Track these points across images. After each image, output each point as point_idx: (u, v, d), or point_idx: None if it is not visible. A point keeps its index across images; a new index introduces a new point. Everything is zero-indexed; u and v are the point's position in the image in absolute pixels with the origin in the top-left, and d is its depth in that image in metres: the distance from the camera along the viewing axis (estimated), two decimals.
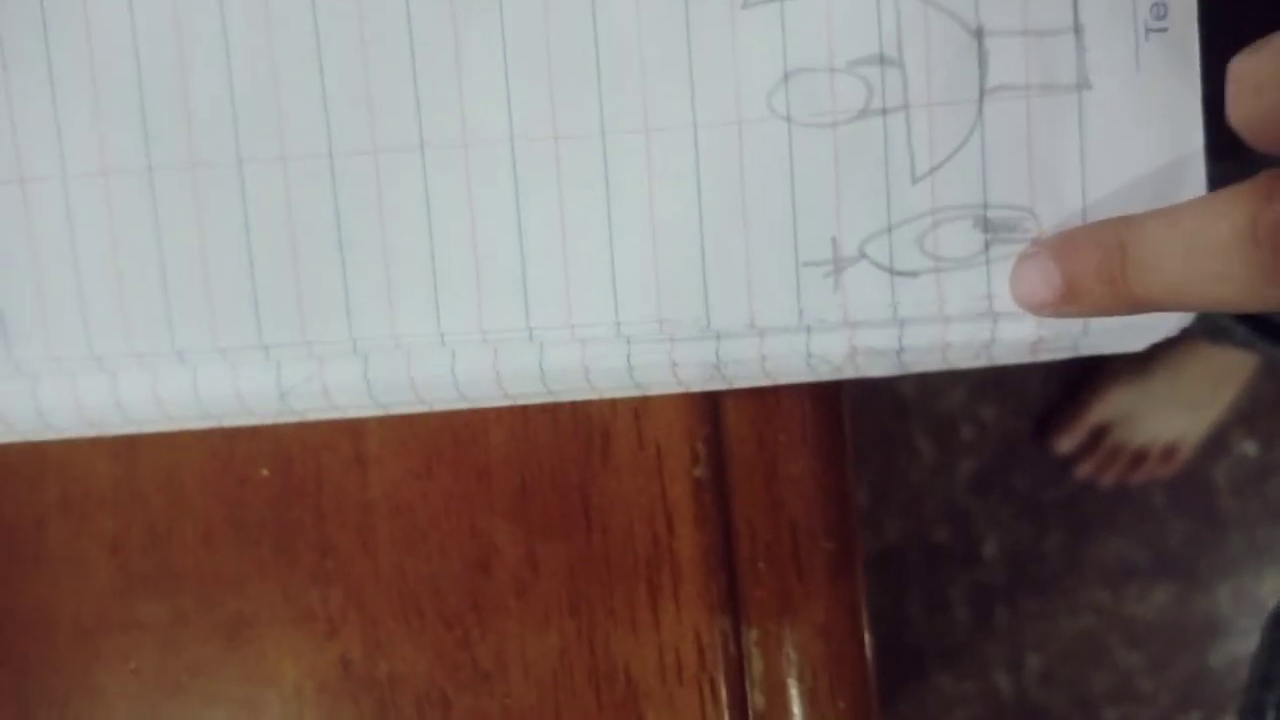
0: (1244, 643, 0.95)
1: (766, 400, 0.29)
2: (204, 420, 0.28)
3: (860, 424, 0.96)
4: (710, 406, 0.28)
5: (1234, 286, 0.22)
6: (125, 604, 0.29)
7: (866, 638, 0.30)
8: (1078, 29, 0.25)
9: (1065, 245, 0.25)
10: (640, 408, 0.28)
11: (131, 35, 0.26)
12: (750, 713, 0.28)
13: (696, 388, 0.28)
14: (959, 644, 0.95)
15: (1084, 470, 0.95)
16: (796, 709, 0.28)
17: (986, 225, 0.26)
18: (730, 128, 0.26)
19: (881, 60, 0.26)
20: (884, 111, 0.26)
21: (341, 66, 0.26)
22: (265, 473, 0.28)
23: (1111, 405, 0.94)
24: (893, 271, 0.26)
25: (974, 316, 0.26)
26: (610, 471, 0.28)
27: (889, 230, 0.26)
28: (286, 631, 0.28)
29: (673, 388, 0.27)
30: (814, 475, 0.29)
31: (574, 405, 0.28)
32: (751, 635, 0.28)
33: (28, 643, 0.29)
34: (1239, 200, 0.22)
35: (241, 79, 0.26)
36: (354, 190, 0.27)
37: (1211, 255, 0.22)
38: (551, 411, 0.28)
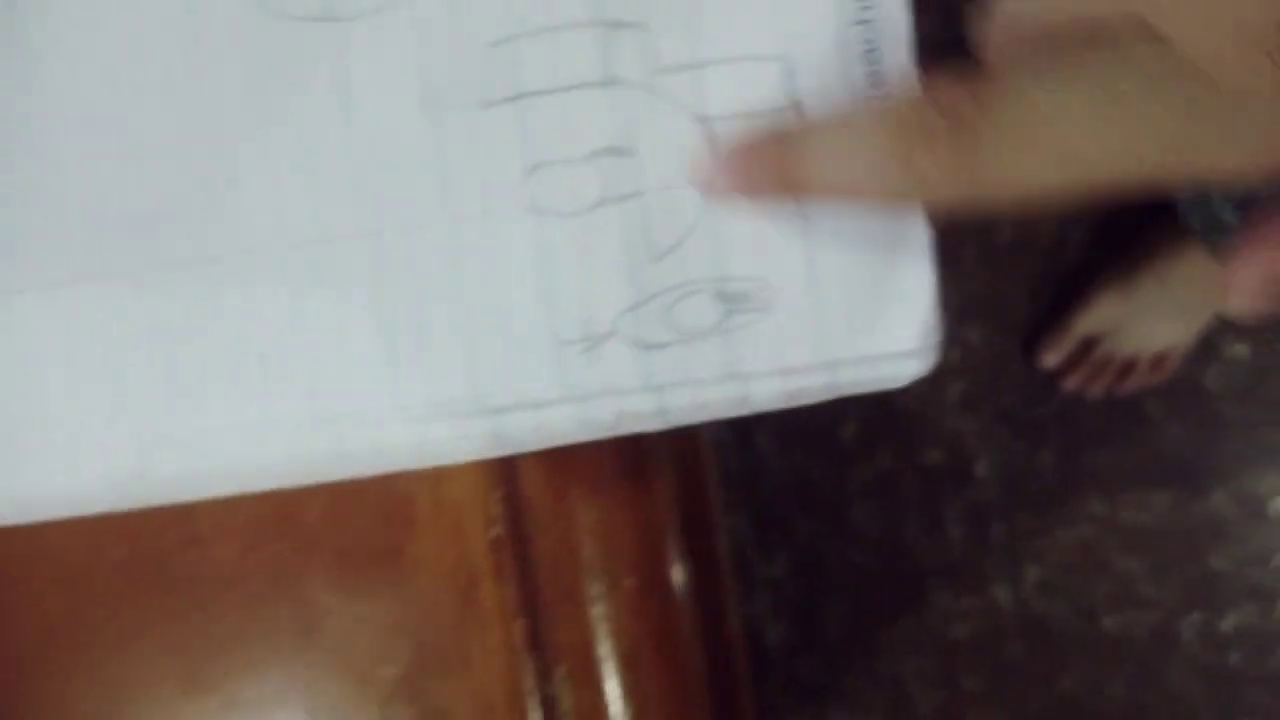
0: (1244, 544, 0.96)
1: (560, 456, 0.31)
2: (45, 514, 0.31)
3: None
4: (506, 467, 0.31)
5: (882, 182, 0.24)
6: None
7: (692, 653, 0.32)
8: (797, 106, 0.27)
9: (741, 137, 0.27)
10: (438, 477, 0.31)
11: None
12: None
13: (486, 455, 0.30)
14: (956, 562, 0.97)
15: (1072, 382, 0.96)
16: None
17: (724, 297, 0.28)
18: (482, 220, 0.28)
19: (615, 152, 0.27)
20: (621, 198, 0.27)
21: (127, 176, 0.28)
22: (119, 554, 0.32)
23: (1098, 317, 0.94)
24: (642, 345, 0.28)
25: (723, 379, 0.28)
26: (416, 537, 0.31)
27: (636, 306, 0.28)
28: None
29: (463, 457, 0.30)
30: (611, 520, 0.31)
31: (379, 479, 0.31)
32: (559, 672, 0.31)
33: None
34: (896, 103, 0.25)
35: (45, 195, 0.29)
36: (153, 300, 0.29)
37: (862, 154, 0.24)
38: (358, 486, 0.31)
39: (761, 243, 0.27)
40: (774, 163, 0.26)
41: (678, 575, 0.32)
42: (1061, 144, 0.22)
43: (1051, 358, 0.96)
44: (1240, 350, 0.95)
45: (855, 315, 0.28)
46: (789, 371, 0.28)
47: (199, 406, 0.29)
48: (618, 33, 0.27)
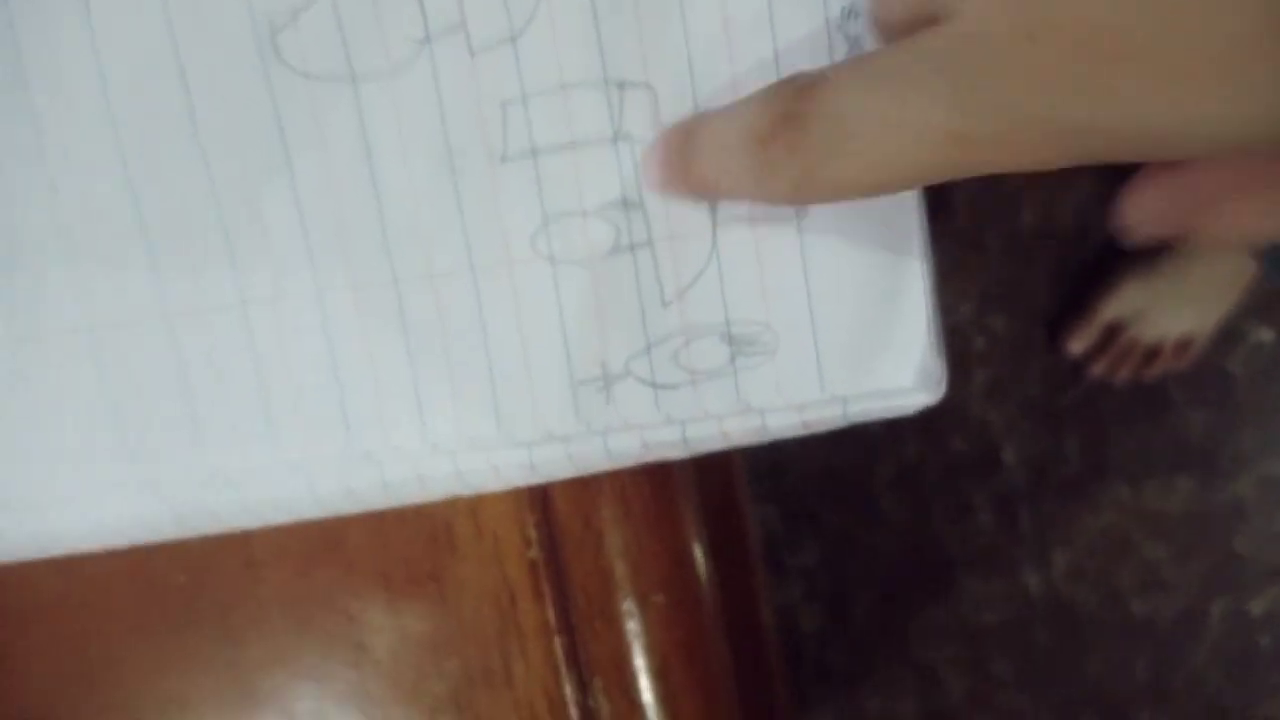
0: (1268, 528, 0.97)
1: (590, 483, 0.33)
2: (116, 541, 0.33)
3: None
4: (539, 495, 0.33)
5: (746, 178, 0.25)
6: None
7: (720, 659, 0.35)
8: None
9: (664, 134, 0.28)
10: (476, 504, 0.33)
11: None
12: None
13: (520, 484, 0.32)
14: (985, 548, 0.99)
15: (1098, 369, 0.97)
16: None
17: (731, 340, 0.30)
18: (502, 269, 0.30)
19: (625, 203, 0.29)
20: (632, 247, 0.30)
21: (166, 228, 0.31)
22: (182, 579, 0.34)
23: (1122, 304, 0.95)
24: (655, 385, 0.30)
25: (739, 413, 0.30)
26: (457, 560, 0.33)
27: (648, 349, 0.30)
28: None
29: (500, 486, 0.32)
30: (639, 542, 0.33)
31: (419, 507, 0.33)
32: (597, 684, 0.33)
33: None
34: (753, 101, 0.25)
35: (76, 249, 0.31)
36: (195, 345, 0.31)
37: (730, 150, 0.26)
38: (400, 513, 0.33)
39: (764, 288, 0.29)
40: (679, 163, 0.28)
41: (705, 581, 0.35)
42: (866, 148, 0.23)
43: (1077, 344, 0.97)
44: (1264, 335, 0.95)
45: (855, 357, 0.30)
46: (801, 406, 0.30)
47: (244, 446, 0.32)
48: (624, 92, 0.29)
